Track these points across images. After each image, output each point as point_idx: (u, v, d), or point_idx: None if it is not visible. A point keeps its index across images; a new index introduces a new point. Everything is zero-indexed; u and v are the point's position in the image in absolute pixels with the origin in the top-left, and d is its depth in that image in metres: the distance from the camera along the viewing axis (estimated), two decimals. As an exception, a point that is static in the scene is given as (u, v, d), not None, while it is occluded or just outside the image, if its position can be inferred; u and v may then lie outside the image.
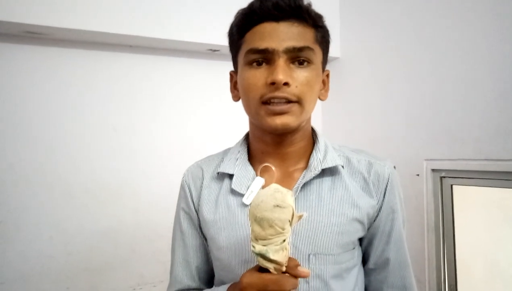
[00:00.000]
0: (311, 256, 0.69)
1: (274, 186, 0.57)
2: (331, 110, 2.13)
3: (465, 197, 1.46)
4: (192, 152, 1.82)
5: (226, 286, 0.67)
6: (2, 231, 1.49)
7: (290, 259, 0.57)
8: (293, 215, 0.56)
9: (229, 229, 0.73)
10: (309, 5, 0.71)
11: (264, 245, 0.54)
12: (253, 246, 0.55)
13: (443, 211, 1.49)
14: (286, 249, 0.55)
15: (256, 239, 0.55)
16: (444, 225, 1.49)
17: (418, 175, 1.57)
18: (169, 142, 1.81)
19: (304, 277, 0.58)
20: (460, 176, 1.42)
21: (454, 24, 1.43)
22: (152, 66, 1.79)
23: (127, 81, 1.74)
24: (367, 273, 0.80)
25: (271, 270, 0.55)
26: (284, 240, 0.55)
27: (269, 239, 0.54)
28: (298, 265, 0.58)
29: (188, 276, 0.81)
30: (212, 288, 0.74)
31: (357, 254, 0.76)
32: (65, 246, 1.58)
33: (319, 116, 2.19)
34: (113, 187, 1.69)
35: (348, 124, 2.00)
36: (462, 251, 1.45)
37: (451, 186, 1.47)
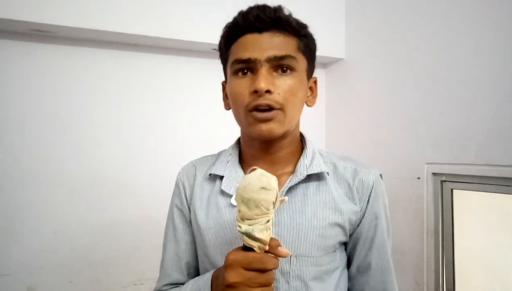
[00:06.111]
0: (292, 258, 0.72)
1: (260, 171, 0.60)
2: (335, 111, 2.13)
3: (465, 202, 1.46)
4: (196, 150, 1.81)
5: (211, 272, 0.70)
6: (7, 225, 1.52)
7: (271, 239, 0.60)
8: (276, 197, 0.59)
9: (217, 228, 0.76)
10: (290, 15, 0.74)
11: (250, 225, 0.58)
12: (239, 226, 0.58)
13: (443, 215, 1.50)
14: (269, 229, 0.59)
15: (242, 219, 0.59)
16: (444, 228, 1.49)
17: (419, 178, 1.57)
18: (172, 140, 1.83)
19: (284, 256, 0.61)
20: (460, 181, 1.43)
21: (458, 27, 1.43)
22: (156, 65, 1.81)
23: (132, 80, 1.76)
24: (350, 276, 0.82)
25: (255, 249, 0.59)
26: (268, 221, 0.58)
27: (255, 218, 0.58)
28: (279, 245, 0.60)
29: (178, 270, 0.83)
30: (198, 277, 0.76)
31: (339, 257, 0.78)
32: (69, 241, 1.61)
33: (322, 117, 2.19)
34: (117, 184, 1.71)
35: (351, 125, 2.01)
36: (461, 255, 1.46)
37: (452, 190, 1.47)
